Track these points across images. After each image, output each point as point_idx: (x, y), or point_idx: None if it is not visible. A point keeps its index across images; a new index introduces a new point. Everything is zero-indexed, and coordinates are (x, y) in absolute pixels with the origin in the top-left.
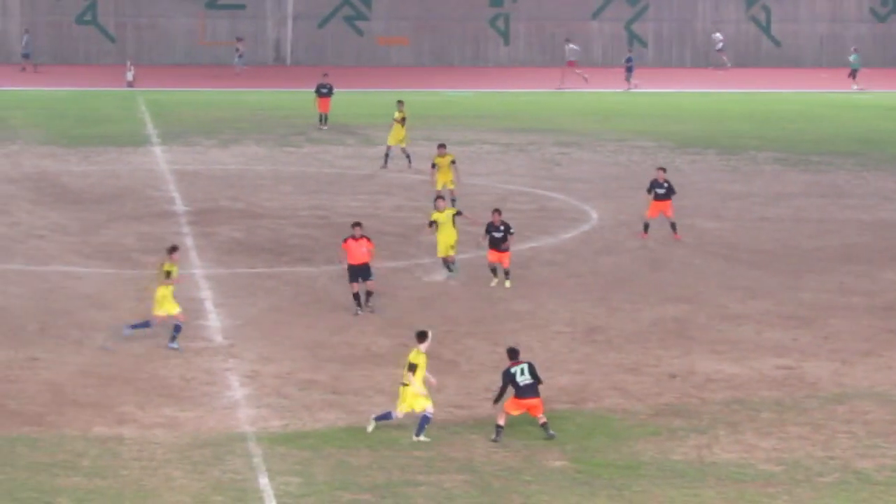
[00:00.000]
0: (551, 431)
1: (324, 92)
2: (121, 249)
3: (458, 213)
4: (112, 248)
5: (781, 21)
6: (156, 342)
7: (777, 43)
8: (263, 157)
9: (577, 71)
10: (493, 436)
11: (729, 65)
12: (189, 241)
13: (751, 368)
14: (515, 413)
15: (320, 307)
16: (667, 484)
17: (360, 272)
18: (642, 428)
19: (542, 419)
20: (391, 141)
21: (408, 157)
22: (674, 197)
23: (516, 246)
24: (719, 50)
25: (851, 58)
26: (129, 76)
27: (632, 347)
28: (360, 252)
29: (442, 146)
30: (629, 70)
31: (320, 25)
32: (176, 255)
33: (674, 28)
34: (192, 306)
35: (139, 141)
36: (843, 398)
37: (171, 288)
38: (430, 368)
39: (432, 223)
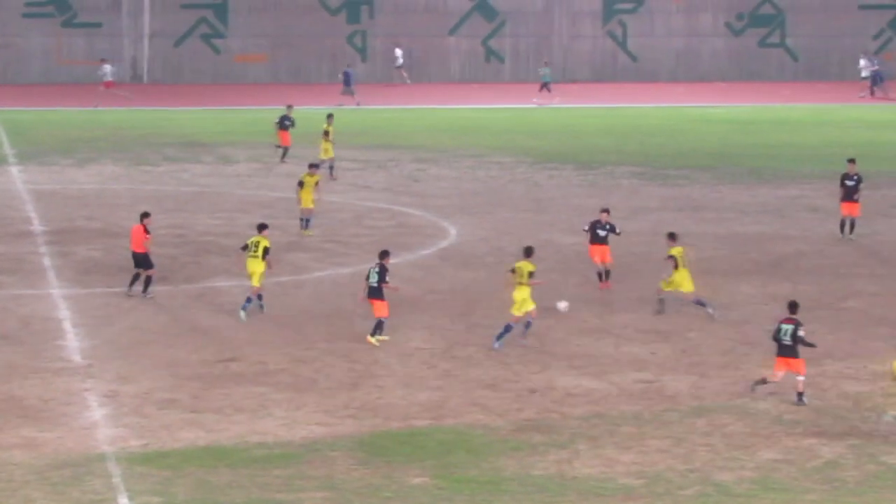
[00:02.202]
0: (804, 399)
1: (287, 125)
2: None
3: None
4: None
5: (638, 36)
6: (9, 361)
7: (634, 58)
8: (120, 176)
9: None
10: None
11: (409, 82)
12: (46, 262)
13: (610, 383)
14: (780, 371)
15: (179, 326)
16: (528, 499)
17: None
18: (503, 443)
19: (800, 386)
20: (323, 155)
21: (331, 168)
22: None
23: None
24: (398, 67)
25: (542, 71)
26: None
27: (491, 363)
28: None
29: (313, 165)
30: (347, 84)
31: (177, 44)
32: (266, 231)
33: (531, 44)
34: (49, 326)
35: None
36: (701, 411)
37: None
38: (288, 387)
39: None
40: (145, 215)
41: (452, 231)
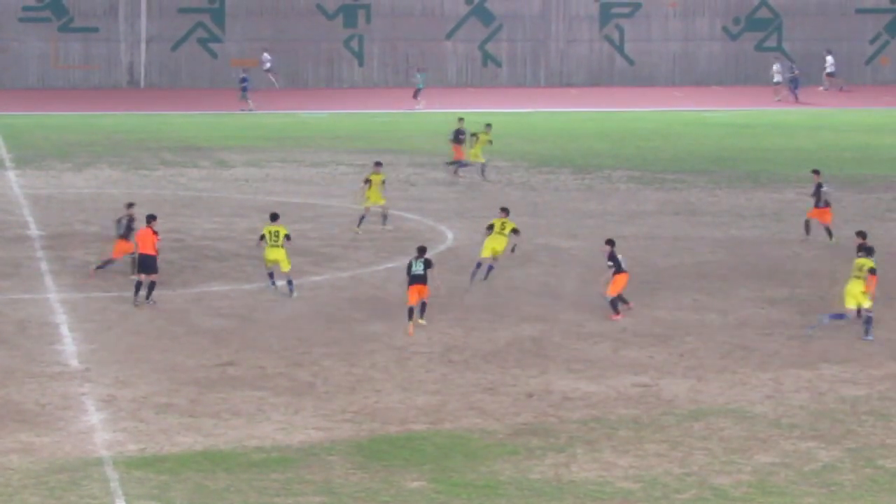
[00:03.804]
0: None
1: (461, 139)
2: None
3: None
4: None
5: (635, 40)
6: (6, 366)
7: (630, 62)
8: (118, 181)
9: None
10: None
11: (277, 86)
12: (43, 266)
13: (608, 386)
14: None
15: (176, 330)
16: (525, 503)
17: None
18: (500, 447)
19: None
20: (473, 158)
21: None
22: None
23: (372, 266)
24: (266, 70)
25: (416, 77)
26: None
27: (489, 367)
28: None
29: (378, 164)
30: (243, 91)
31: (174, 48)
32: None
33: (528, 48)
34: (46, 331)
35: None
36: (699, 415)
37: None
38: (286, 391)
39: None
40: (152, 217)
41: (449, 235)
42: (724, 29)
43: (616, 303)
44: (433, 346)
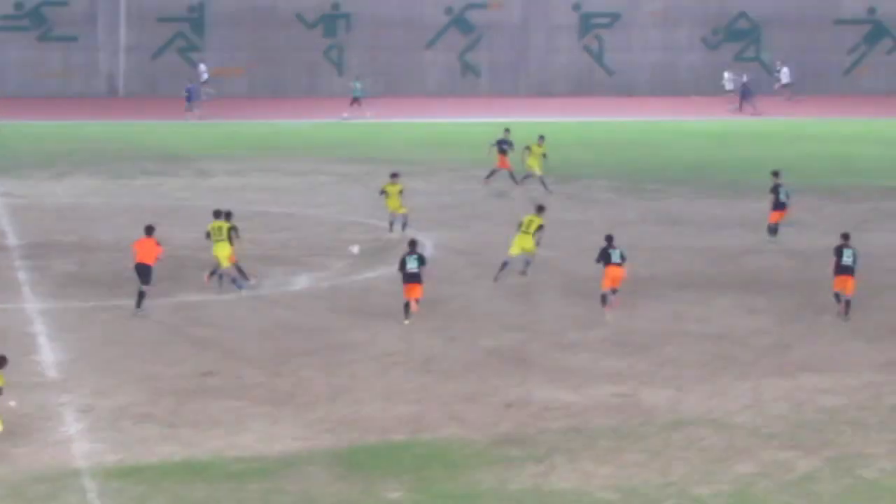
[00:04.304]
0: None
1: (504, 148)
2: None
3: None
4: None
5: (614, 50)
6: None
7: (610, 72)
8: (97, 190)
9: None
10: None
11: (213, 93)
12: (21, 276)
13: (587, 396)
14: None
15: (155, 340)
16: None
17: None
18: (480, 457)
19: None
20: (528, 169)
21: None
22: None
23: (352, 276)
24: (204, 82)
25: (353, 84)
26: None
27: (469, 377)
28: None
29: (395, 175)
30: (188, 100)
31: (154, 57)
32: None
33: (508, 58)
34: (25, 341)
35: None
36: (679, 425)
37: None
38: (265, 401)
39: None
40: (152, 228)
41: (429, 244)
42: (704, 39)
43: (605, 297)
44: (413, 355)
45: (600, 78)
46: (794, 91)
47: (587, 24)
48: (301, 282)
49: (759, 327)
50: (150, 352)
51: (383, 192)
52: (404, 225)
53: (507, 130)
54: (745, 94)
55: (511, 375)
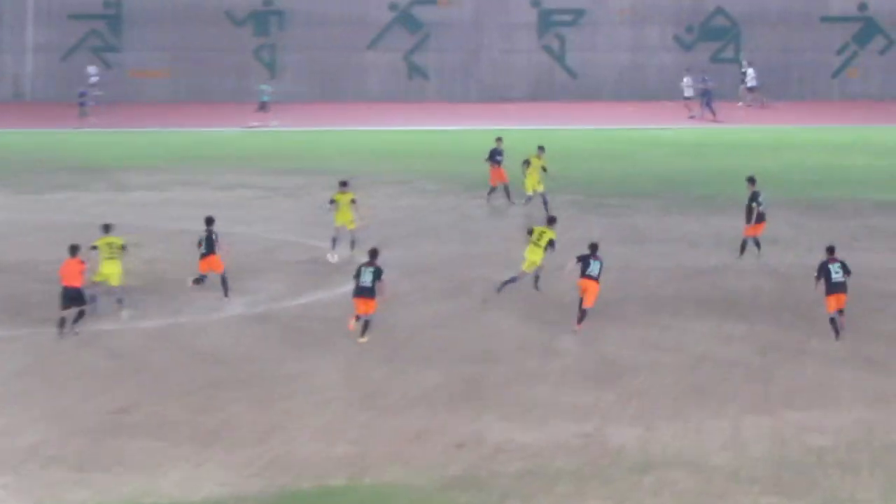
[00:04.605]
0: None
1: (498, 160)
2: None
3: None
4: None
5: (578, 50)
6: None
7: (573, 74)
8: (4, 206)
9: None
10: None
11: (95, 102)
12: None
13: (547, 435)
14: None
15: (67, 373)
16: None
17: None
18: (427, 503)
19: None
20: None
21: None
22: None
23: (286, 301)
24: (93, 84)
25: (262, 88)
26: None
27: (416, 413)
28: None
29: (344, 183)
30: (81, 105)
31: (64, 58)
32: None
33: (459, 59)
34: None
35: None
36: (648, 467)
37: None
38: (188, 441)
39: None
40: (76, 248)
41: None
42: (677, 38)
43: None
44: (354, 388)
45: (562, 81)
46: (761, 95)
47: (547, 21)
48: (229, 307)
49: (737, 356)
50: (61, 385)
51: (332, 201)
52: (353, 243)
53: (499, 139)
54: (706, 99)
55: (463, 411)
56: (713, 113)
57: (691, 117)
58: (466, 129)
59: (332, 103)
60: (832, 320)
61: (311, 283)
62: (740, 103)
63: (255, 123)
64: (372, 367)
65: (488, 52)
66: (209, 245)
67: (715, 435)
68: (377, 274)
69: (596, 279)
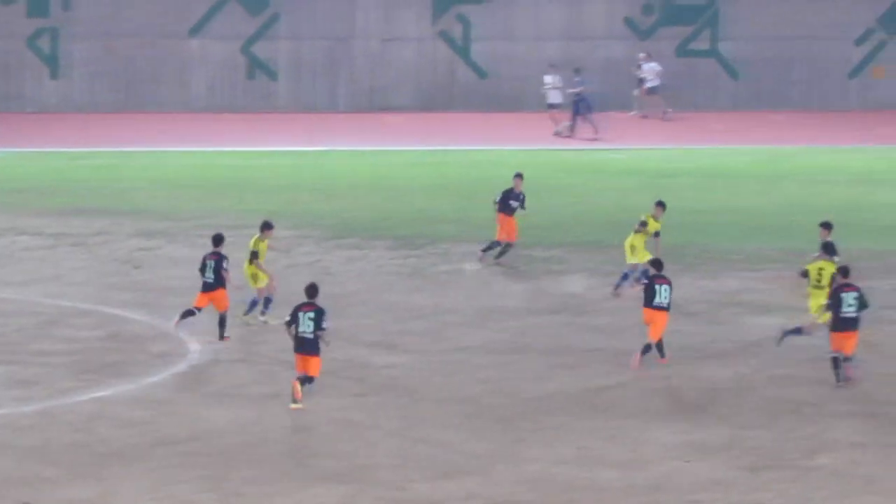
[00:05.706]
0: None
1: (513, 206)
2: None
3: None
4: None
5: (488, 39)
6: None
7: (482, 73)
8: None
9: None
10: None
11: None
12: None
13: None
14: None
15: None
16: None
17: None
18: None
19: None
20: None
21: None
22: None
23: (73, 396)
24: None
25: None
26: None
27: None
28: None
29: (269, 225)
30: None
31: None
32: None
33: (321, 50)
34: None
35: None
36: None
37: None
38: None
39: None
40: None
41: (194, 346)
42: (629, 22)
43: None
44: None
45: (466, 82)
46: (662, 101)
47: None
48: None
49: (714, 476)
50: None
51: (253, 253)
52: (267, 303)
53: (518, 176)
54: (580, 108)
55: None
56: (592, 126)
57: (558, 133)
58: (329, 149)
59: (140, 114)
60: (834, 361)
61: (109, 370)
62: (633, 112)
63: None
64: (193, 490)
65: (362, 41)
66: (217, 275)
67: None
68: (318, 321)
69: (666, 309)
